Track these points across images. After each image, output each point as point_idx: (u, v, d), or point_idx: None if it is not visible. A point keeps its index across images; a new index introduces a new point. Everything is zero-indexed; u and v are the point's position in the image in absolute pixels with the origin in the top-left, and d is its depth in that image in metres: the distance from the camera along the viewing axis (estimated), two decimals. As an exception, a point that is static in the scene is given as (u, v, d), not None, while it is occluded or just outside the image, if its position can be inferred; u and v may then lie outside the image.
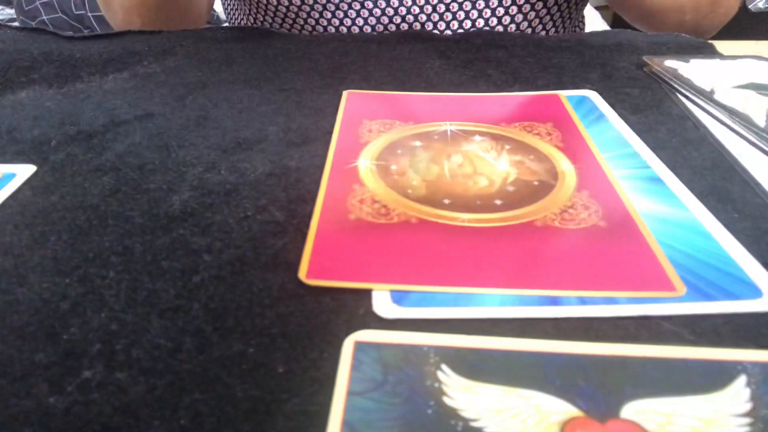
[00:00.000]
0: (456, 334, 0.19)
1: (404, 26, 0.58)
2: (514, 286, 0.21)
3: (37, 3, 1.41)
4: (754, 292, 0.21)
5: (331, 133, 0.33)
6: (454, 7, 0.57)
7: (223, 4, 0.72)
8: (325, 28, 0.58)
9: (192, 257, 0.23)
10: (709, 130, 0.33)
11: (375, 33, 0.57)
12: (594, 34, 0.50)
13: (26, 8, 1.41)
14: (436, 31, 0.58)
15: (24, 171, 0.29)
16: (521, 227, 0.24)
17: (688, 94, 0.36)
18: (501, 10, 0.57)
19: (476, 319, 0.20)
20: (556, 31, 0.62)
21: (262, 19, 0.62)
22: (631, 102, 0.36)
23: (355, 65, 0.43)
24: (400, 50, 0.46)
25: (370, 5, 0.56)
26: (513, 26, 0.59)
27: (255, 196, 0.27)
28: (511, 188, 0.27)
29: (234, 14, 0.69)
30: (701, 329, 0.20)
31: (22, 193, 0.28)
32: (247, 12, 0.64)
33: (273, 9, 0.59)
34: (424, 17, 0.57)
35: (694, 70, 0.39)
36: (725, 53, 0.43)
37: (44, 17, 1.40)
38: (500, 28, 0.58)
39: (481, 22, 0.58)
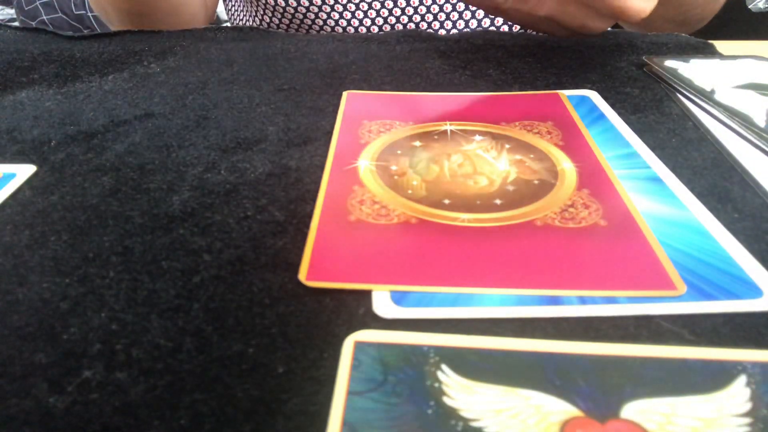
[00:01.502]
0: (456, 334, 0.19)
1: (411, 26, 0.58)
2: (514, 286, 0.21)
3: (37, 3, 1.41)
4: (754, 291, 0.21)
5: (331, 133, 0.33)
6: (460, 6, 0.57)
7: (226, 4, 0.72)
8: (332, 28, 0.58)
9: (192, 257, 0.23)
10: (709, 130, 0.33)
11: (375, 33, 0.57)
12: (594, 35, 0.50)
13: (26, 8, 1.41)
14: (442, 31, 0.58)
15: (24, 171, 0.29)
16: (521, 227, 0.24)
17: (688, 94, 0.36)
18: None
19: (476, 319, 0.20)
20: None
21: (269, 20, 0.62)
22: (631, 102, 0.36)
23: (355, 65, 0.43)
24: (400, 50, 0.46)
25: (378, 5, 0.56)
26: (505, 27, 0.59)
27: (255, 196, 0.27)
28: (511, 187, 0.27)
29: (237, 14, 0.69)
30: (701, 329, 0.20)
31: (22, 193, 0.28)
32: (254, 13, 0.64)
33: (281, 10, 0.59)
34: (431, 17, 0.57)
35: (694, 70, 0.39)
36: (725, 53, 0.43)
37: (44, 17, 1.40)
38: (506, 28, 0.59)
39: (487, 22, 0.58)
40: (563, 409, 0.16)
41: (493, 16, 0.59)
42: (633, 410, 0.16)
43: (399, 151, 0.31)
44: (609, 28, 0.43)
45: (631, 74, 0.41)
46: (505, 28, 0.60)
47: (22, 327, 0.20)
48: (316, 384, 0.18)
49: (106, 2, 0.55)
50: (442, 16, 0.57)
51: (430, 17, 0.57)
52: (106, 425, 0.17)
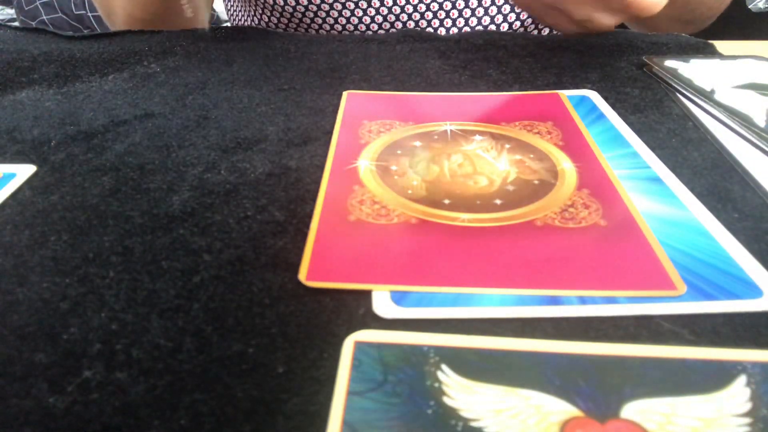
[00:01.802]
0: (456, 334, 0.19)
1: (411, 24, 0.58)
2: (514, 286, 0.21)
3: (37, 3, 1.41)
4: (754, 291, 0.21)
5: (331, 133, 0.33)
6: (461, 4, 0.57)
7: (225, 4, 0.72)
8: (332, 26, 0.58)
9: (192, 257, 0.23)
10: (709, 130, 0.33)
11: (375, 33, 0.57)
12: (594, 35, 0.50)
13: (26, 8, 1.41)
14: (442, 30, 0.58)
15: (24, 171, 0.29)
16: (521, 227, 0.24)
17: (688, 94, 0.36)
18: (507, 8, 0.57)
19: (476, 319, 0.20)
20: (552, 31, 0.62)
21: (267, 19, 0.62)
22: (631, 102, 0.36)
23: (355, 65, 0.43)
24: (400, 50, 0.46)
25: (377, 4, 0.56)
26: (518, 23, 0.59)
27: (255, 196, 0.27)
28: (511, 188, 0.27)
29: (237, 15, 0.69)
30: (701, 329, 0.20)
31: (22, 193, 0.28)
32: (252, 13, 0.64)
33: (279, 9, 0.59)
34: (430, 15, 0.57)
35: (694, 70, 0.39)
36: (725, 53, 0.43)
37: (44, 17, 1.40)
38: (505, 26, 0.59)
39: (487, 20, 0.58)
40: (563, 409, 0.16)
41: (492, 15, 0.59)
42: (633, 410, 0.16)
43: (399, 151, 0.31)
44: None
45: (631, 74, 0.41)
46: (505, 27, 0.60)
47: (22, 327, 0.20)
48: (316, 384, 0.18)
49: (121, 11, 0.55)
50: (442, 14, 0.57)
51: (429, 15, 0.57)
52: (106, 425, 0.17)
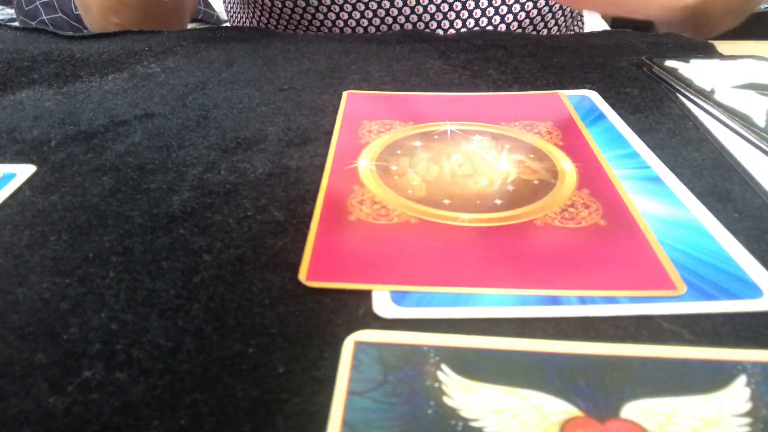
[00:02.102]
0: (456, 334, 0.19)
1: (408, 26, 0.58)
2: (514, 286, 0.21)
3: (37, 3, 1.41)
4: (754, 291, 0.21)
5: (331, 133, 0.33)
6: (458, 6, 0.57)
7: (225, 5, 0.72)
8: (329, 29, 0.58)
9: (192, 257, 0.23)
10: (709, 130, 0.33)
11: (375, 33, 0.57)
12: (594, 34, 0.50)
13: (26, 8, 1.41)
14: (440, 31, 0.58)
15: (24, 171, 0.29)
16: (521, 227, 0.24)
17: (688, 94, 0.36)
18: (504, 9, 0.57)
19: (476, 319, 0.20)
20: (558, 30, 0.62)
21: (266, 20, 0.62)
22: (631, 102, 0.36)
23: (355, 65, 0.43)
24: (400, 50, 0.46)
25: (374, 6, 0.56)
26: (515, 24, 0.59)
27: (255, 196, 0.27)
28: (511, 188, 0.27)
29: (236, 16, 0.69)
30: (701, 329, 0.20)
31: (22, 193, 0.28)
32: (251, 14, 0.64)
33: (278, 11, 0.59)
34: (428, 17, 0.57)
35: (694, 70, 0.39)
36: (725, 53, 0.43)
37: (44, 17, 1.40)
38: (503, 27, 0.59)
39: (484, 21, 0.58)
40: (563, 409, 0.16)
41: (490, 15, 0.58)
42: (633, 410, 0.16)
43: (399, 151, 0.31)
44: (611, 29, 0.42)
45: (631, 74, 0.41)
46: (503, 27, 0.60)
47: (22, 327, 0.20)
48: (316, 384, 0.18)
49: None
50: (439, 16, 0.57)
51: (427, 17, 0.57)
52: (106, 425, 0.17)
